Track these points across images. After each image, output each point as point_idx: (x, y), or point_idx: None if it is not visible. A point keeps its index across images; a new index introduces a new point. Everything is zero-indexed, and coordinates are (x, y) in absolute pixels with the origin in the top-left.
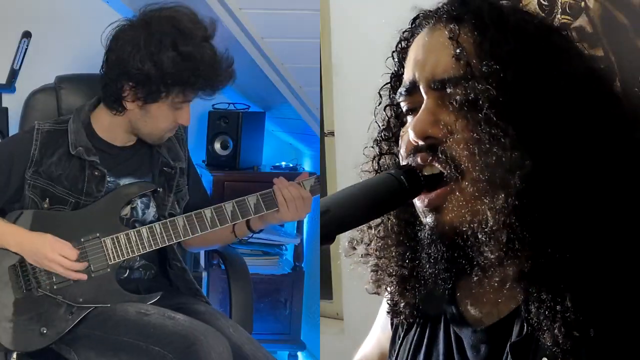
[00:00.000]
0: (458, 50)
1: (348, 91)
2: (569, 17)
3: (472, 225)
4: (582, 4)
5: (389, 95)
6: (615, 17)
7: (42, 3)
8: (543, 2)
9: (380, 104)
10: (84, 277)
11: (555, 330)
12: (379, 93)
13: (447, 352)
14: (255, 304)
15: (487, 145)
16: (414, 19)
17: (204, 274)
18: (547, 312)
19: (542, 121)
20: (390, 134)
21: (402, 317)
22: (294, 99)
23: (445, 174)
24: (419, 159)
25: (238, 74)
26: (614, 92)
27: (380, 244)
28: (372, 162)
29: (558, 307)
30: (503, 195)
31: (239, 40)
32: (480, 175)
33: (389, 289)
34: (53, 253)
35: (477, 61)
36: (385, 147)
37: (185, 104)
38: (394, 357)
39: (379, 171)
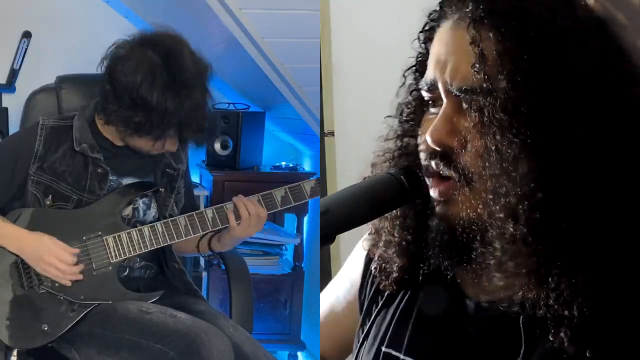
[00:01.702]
0: (478, 63)
1: (348, 91)
2: None
3: (475, 227)
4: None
5: (415, 77)
6: (615, 17)
7: (42, 3)
8: None
9: (403, 84)
10: (80, 277)
11: (561, 334)
12: (403, 75)
13: (445, 319)
14: (255, 304)
15: (498, 168)
16: (441, 2)
17: (204, 274)
18: (552, 316)
19: (560, 146)
20: (414, 116)
21: (390, 279)
22: (294, 99)
23: (456, 179)
24: (433, 164)
25: (238, 74)
26: None
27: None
28: (395, 140)
29: (566, 313)
30: (512, 224)
31: (239, 40)
32: (490, 195)
33: (385, 248)
34: (50, 256)
35: (496, 74)
36: (409, 128)
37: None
38: (367, 326)
39: (401, 148)
